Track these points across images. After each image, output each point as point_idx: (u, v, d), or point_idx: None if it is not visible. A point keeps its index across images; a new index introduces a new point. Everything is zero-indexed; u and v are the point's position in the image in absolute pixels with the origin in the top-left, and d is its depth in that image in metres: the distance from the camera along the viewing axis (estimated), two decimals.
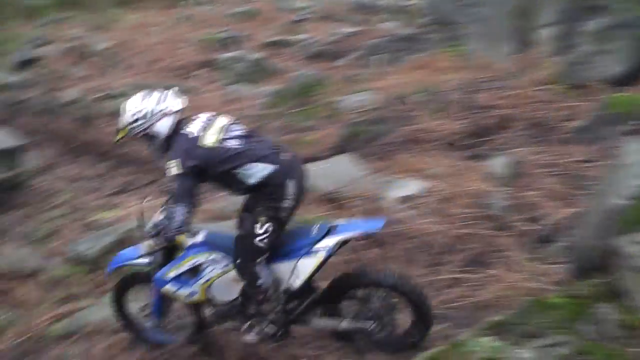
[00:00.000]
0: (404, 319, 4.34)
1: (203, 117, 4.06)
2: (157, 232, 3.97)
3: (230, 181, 3.95)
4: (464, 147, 7.69)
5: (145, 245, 4.05)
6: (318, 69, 11.87)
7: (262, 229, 3.88)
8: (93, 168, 9.76)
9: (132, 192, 8.57)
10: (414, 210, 6.29)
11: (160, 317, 4.54)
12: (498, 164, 6.96)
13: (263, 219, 3.89)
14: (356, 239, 4.24)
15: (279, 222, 3.95)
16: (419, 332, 4.26)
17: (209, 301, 4.32)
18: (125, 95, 13.71)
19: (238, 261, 4.02)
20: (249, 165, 3.82)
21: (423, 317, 4.18)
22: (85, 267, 6.28)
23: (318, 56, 13.32)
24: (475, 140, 7.75)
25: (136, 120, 3.98)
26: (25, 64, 16.89)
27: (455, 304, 4.99)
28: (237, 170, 3.84)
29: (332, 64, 12.56)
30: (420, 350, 4.09)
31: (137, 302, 4.70)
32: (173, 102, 4.05)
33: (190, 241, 4.13)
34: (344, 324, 4.20)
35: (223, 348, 4.68)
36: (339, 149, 8.27)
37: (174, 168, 3.77)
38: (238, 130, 4.02)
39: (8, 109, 13.10)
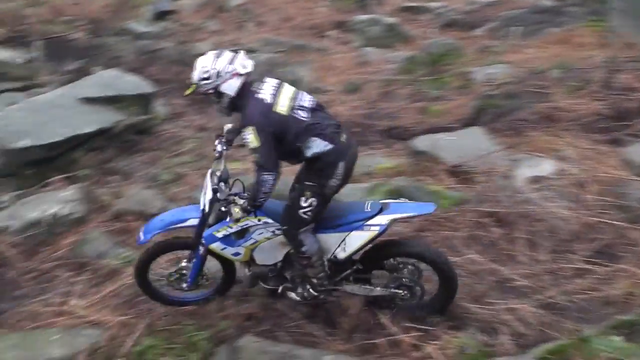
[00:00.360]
0: (431, 285, 4.50)
1: (271, 82, 4.12)
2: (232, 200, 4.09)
3: (290, 150, 4.00)
4: (601, 130, 7.17)
5: (236, 212, 4.02)
6: (452, 38, 11.46)
7: (306, 202, 4.02)
8: (219, 119, 9.90)
9: None
10: (543, 191, 5.96)
11: (196, 277, 4.60)
12: (638, 151, 6.45)
13: (308, 193, 4.02)
14: (407, 220, 4.41)
15: (324, 198, 4.08)
16: (445, 300, 4.41)
17: (249, 262, 4.47)
18: (257, 51, 13.99)
19: (284, 227, 4.18)
20: (311, 139, 3.93)
21: (448, 286, 4.32)
22: None
23: (453, 25, 12.92)
24: (614, 124, 7.21)
25: (207, 78, 4.00)
26: (161, 15, 17.41)
27: (579, 296, 4.66)
28: (299, 143, 3.94)
29: (467, 33, 12.16)
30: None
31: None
32: (243, 63, 4.04)
33: (235, 212, 4.10)
34: (377, 291, 4.38)
35: (332, 314, 4.62)
36: (468, 122, 7.97)
37: (253, 138, 3.84)
38: (306, 100, 4.07)
39: (143, 58, 13.57)
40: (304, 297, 4.46)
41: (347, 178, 4.12)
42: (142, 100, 8.67)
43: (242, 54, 4.16)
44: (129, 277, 5.18)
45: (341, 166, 3.99)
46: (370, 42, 12.53)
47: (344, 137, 4.07)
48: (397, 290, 4.39)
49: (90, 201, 6.46)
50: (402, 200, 4.53)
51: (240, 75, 4.00)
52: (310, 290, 4.40)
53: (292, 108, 3.95)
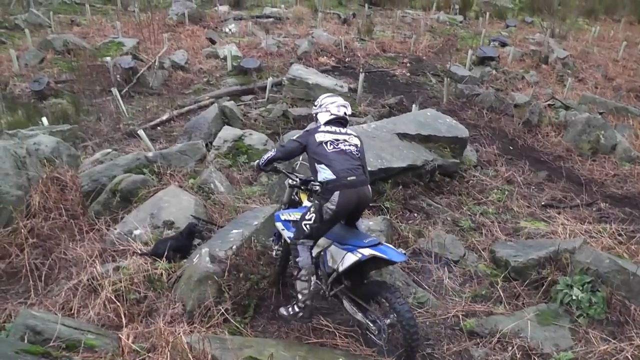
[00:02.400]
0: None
1: (337, 129, 5.08)
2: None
3: (312, 167, 4.90)
4: None
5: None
6: None
7: (309, 216, 4.78)
8: (529, 174, 9.47)
9: (563, 210, 8.06)
10: None
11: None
12: None
13: (312, 209, 4.78)
14: (383, 260, 4.60)
15: (322, 218, 4.71)
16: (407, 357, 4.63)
17: None
18: (574, 108, 13.25)
19: (292, 236, 4.98)
20: (323, 165, 4.78)
21: (410, 351, 4.56)
22: (502, 270, 6.04)
23: None
24: None
25: (316, 105, 5.39)
26: (483, 60, 17.41)
27: None
28: (316, 164, 4.84)
29: None
30: None
31: None
32: (338, 107, 5.24)
33: (305, 202, 5.24)
34: (358, 316, 4.84)
35: None
36: None
37: (297, 136, 5.21)
38: (345, 145, 4.93)
39: (459, 101, 13.63)
40: (289, 313, 4.92)
41: (344, 210, 4.75)
42: (456, 144, 8.58)
43: (344, 101, 5.36)
44: (418, 317, 5.17)
45: (336, 194, 4.65)
46: None
47: (352, 179, 4.73)
48: (370, 324, 4.78)
49: (391, 234, 6.49)
50: (391, 246, 4.83)
51: (329, 112, 5.23)
52: (295, 306, 4.88)
53: (323, 142, 4.90)
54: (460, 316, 5.29)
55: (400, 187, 7.66)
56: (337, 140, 4.93)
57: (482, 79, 15.97)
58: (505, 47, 19.31)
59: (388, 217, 6.88)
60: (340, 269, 4.75)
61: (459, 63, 17.19)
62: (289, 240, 5.07)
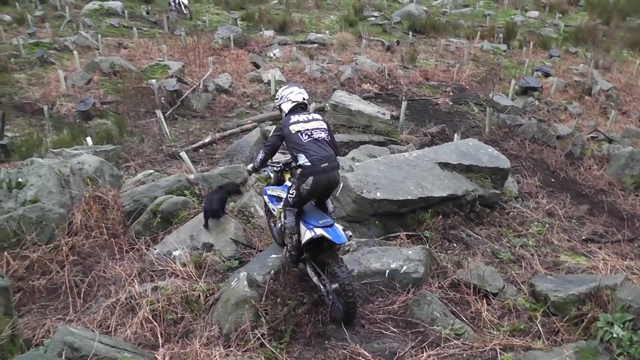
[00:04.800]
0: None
1: (304, 116, 5.86)
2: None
3: (292, 154, 5.78)
4: None
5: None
6: None
7: (291, 191, 5.76)
8: (570, 207, 9.39)
9: (604, 245, 7.97)
10: None
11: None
12: None
13: (293, 186, 5.76)
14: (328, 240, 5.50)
15: (299, 194, 5.67)
16: (342, 320, 5.63)
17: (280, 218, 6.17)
18: (616, 142, 13.09)
19: (283, 203, 6.01)
20: (301, 154, 5.62)
21: (347, 315, 5.57)
22: (542, 305, 5.99)
23: None
24: None
25: (277, 97, 6.22)
26: (526, 91, 17.34)
27: None
28: (295, 152, 5.69)
29: None
30: None
31: None
32: (296, 95, 6.04)
33: (287, 182, 6.24)
34: (315, 279, 5.83)
35: None
36: None
37: (273, 131, 6.19)
38: (317, 133, 5.75)
39: (501, 131, 13.59)
40: (285, 257, 6.13)
41: (317, 191, 5.69)
42: (497, 174, 8.57)
43: (300, 88, 6.20)
44: (455, 349, 5.18)
45: (310, 179, 5.56)
46: None
47: (325, 165, 5.60)
48: (322, 287, 5.75)
49: (430, 264, 6.50)
50: (340, 227, 5.67)
51: (291, 101, 6.04)
52: (285, 253, 6.08)
53: (299, 132, 5.71)
54: (498, 350, 5.25)
55: (441, 216, 7.69)
56: (309, 129, 5.77)
57: (524, 109, 15.91)
58: (549, 78, 19.20)
59: (427, 246, 6.91)
60: (302, 241, 5.75)
61: (501, 93, 17.16)
62: (272, 211, 6.40)
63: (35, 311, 6.32)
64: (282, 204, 6.01)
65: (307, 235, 5.62)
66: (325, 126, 5.90)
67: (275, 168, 6.46)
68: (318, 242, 5.65)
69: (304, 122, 5.80)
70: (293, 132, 5.71)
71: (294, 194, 5.73)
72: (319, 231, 5.52)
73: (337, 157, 5.90)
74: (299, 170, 5.77)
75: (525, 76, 18.53)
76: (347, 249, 7.01)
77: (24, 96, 16.75)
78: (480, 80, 18.66)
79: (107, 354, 4.56)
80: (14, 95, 16.87)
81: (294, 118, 5.83)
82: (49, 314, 6.24)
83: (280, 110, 6.15)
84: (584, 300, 5.70)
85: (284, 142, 5.89)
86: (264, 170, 6.76)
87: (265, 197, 6.57)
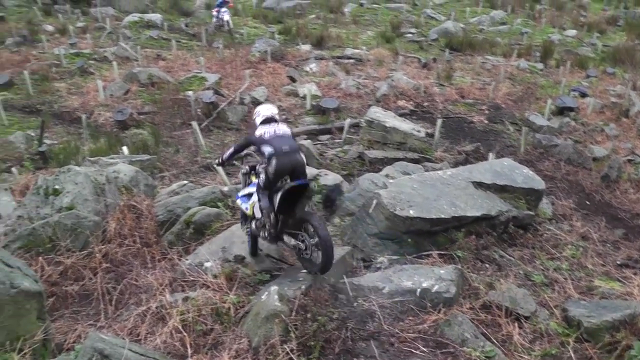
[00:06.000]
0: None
1: (271, 124, 6.61)
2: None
3: (260, 152, 6.52)
4: None
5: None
6: None
7: (262, 176, 6.41)
8: (605, 231, 9.27)
9: (639, 271, 7.85)
10: None
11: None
12: None
13: (262, 171, 6.43)
14: (297, 188, 6.27)
15: (268, 177, 6.32)
16: (320, 270, 6.13)
17: (253, 216, 6.71)
18: None
19: (248, 206, 6.76)
20: (266, 146, 6.33)
21: (326, 258, 6.00)
22: (575, 330, 5.92)
23: None
24: None
25: (255, 115, 6.94)
26: (562, 111, 17.16)
27: None
28: (262, 147, 6.41)
29: None
30: None
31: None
32: (266, 110, 6.87)
33: (254, 180, 6.80)
34: (292, 242, 6.44)
35: None
36: None
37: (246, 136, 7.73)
38: (279, 131, 6.53)
39: (536, 151, 13.49)
40: (264, 237, 6.71)
41: (282, 171, 6.30)
42: (532, 195, 8.49)
43: (271, 105, 7.20)
44: None
45: (274, 162, 6.20)
46: None
47: (286, 149, 6.30)
48: (300, 244, 6.34)
49: (462, 284, 6.48)
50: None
51: (262, 115, 6.79)
52: (264, 234, 6.65)
53: (264, 133, 6.46)
54: None
55: (473, 236, 7.64)
56: (272, 130, 6.51)
57: (560, 129, 15.75)
58: (585, 98, 18.96)
59: (459, 266, 6.88)
60: (275, 206, 6.34)
61: (537, 112, 17.01)
62: (245, 211, 6.87)
63: (67, 316, 6.45)
64: (253, 197, 6.67)
65: (277, 197, 6.30)
66: (288, 131, 6.72)
67: (243, 170, 7.14)
68: (290, 200, 6.33)
69: (269, 126, 6.59)
70: (258, 135, 6.53)
71: (264, 178, 6.40)
72: (288, 185, 6.27)
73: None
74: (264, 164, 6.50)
75: (561, 96, 18.34)
76: (378, 266, 7.05)
77: (64, 105, 17.16)
78: (516, 99, 18.51)
79: None
80: (54, 104, 17.30)
81: (262, 127, 6.65)
82: (81, 319, 6.37)
83: (255, 124, 6.90)
84: (618, 327, 5.64)
85: (252, 148, 6.85)
86: (228, 165, 7.53)
87: (238, 201, 7.10)
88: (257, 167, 6.76)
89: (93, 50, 22.53)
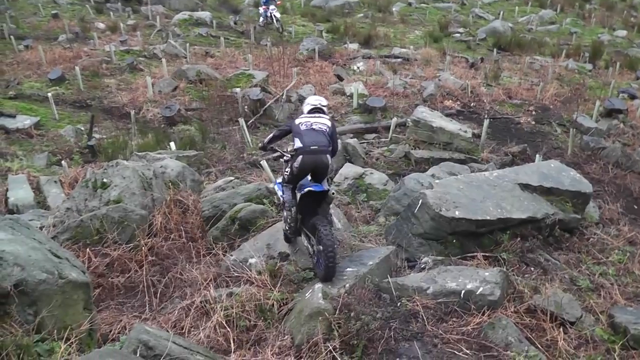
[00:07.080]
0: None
1: (313, 115, 6.81)
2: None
3: (293, 139, 6.65)
4: None
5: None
6: None
7: (287, 169, 6.74)
8: None
9: None
10: None
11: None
12: None
13: (288, 165, 6.70)
14: (315, 194, 6.41)
15: (292, 172, 6.57)
16: (322, 279, 6.18)
17: (283, 204, 6.98)
18: None
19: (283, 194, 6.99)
20: (297, 138, 6.52)
21: (327, 268, 6.06)
22: (621, 337, 5.86)
23: None
24: None
25: (304, 102, 7.27)
26: (611, 113, 16.86)
27: None
28: (294, 138, 6.61)
29: None
30: None
31: None
32: (315, 100, 7.06)
33: None
34: (305, 242, 6.73)
35: None
36: None
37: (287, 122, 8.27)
38: (316, 125, 6.63)
39: (584, 154, 13.30)
40: (285, 230, 7.05)
41: (305, 169, 6.50)
42: (578, 199, 8.41)
43: (319, 97, 7.30)
44: None
45: (299, 158, 6.42)
46: None
47: (314, 148, 6.41)
48: (310, 247, 6.56)
49: (507, 287, 6.47)
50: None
51: (309, 104, 7.00)
52: (285, 227, 6.96)
53: (300, 123, 6.63)
54: None
55: (519, 239, 7.58)
56: (310, 122, 6.65)
57: (608, 131, 15.49)
58: (635, 100, 18.61)
59: (504, 269, 6.85)
60: (297, 200, 6.63)
61: (585, 114, 16.75)
62: (281, 199, 7.05)
63: (113, 307, 6.63)
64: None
65: (298, 196, 6.64)
66: (328, 123, 6.78)
67: (285, 157, 7.07)
68: (310, 203, 6.53)
69: (310, 117, 6.75)
70: (297, 123, 6.70)
71: (288, 172, 6.65)
72: (307, 189, 6.38)
73: (331, 148, 6.68)
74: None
75: (610, 97, 18.02)
76: (422, 266, 7.07)
77: (113, 100, 17.57)
78: (564, 100, 18.26)
79: (180, 355, 4.69)
80: (104, 99, 17.74)
81: (304, 115, 6.86)
82: (126, 311, 6.53)
83: (302, 111, 7.11)
84: None
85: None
86: (270, 150, 7.44)
87: (275, 187, 7.47)
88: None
89: (143, 47, 22.98)
